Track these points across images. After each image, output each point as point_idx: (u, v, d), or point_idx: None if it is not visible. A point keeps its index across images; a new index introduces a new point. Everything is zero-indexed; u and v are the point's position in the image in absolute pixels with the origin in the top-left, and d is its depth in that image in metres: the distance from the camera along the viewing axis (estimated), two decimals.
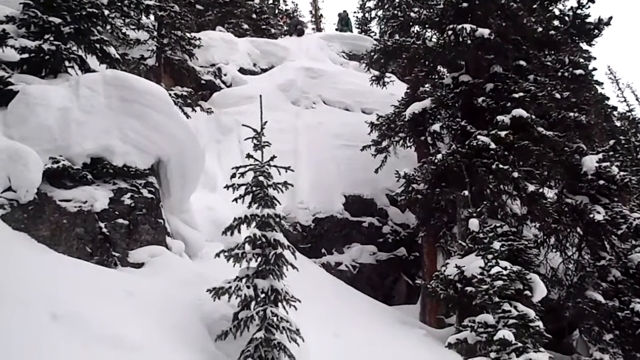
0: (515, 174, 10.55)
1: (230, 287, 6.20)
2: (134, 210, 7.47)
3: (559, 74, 13.83)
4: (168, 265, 7.31)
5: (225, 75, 18.05)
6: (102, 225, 7.06)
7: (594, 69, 16.27)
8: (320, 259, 13.36)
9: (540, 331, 7.70)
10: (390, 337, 9.52)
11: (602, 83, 20.42)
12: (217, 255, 6.37)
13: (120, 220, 7.28)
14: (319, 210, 13.77)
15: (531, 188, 10.79)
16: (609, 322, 11.51)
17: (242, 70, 18.86)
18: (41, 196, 6.64)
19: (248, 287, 6.22)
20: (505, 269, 7.73)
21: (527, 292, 9.10)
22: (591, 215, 12.03)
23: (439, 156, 11.18)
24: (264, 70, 19.67)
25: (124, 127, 7.58)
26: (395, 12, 14.68)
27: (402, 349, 9.01)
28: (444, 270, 9.81)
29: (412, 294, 13.91)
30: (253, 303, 6.27)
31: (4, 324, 4.58)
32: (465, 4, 11.69)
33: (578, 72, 14.32)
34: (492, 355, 6.22)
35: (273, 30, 24.82)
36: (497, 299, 6.66)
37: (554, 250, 13.06)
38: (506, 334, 6.20)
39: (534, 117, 11.16)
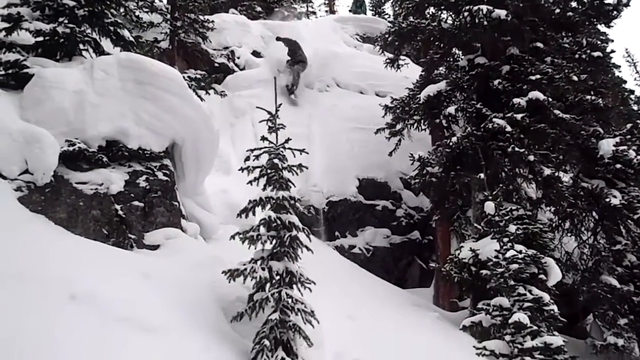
0: (531, 157, 10.47)
1: (245, 269, 6.23)
2: (150, 193, 7.51)
3: (577, 56, 13.65)
4: (183, 247, 7.36)
5: (238, 58, 17.97)
6: (118, 207, 7.11)
7: (612, 52, 15.94)
8: (334, 242, 13.39)
9: (554, 315, 7.67)
10: (404, 320, 9.55)
11: (620, 66, 20.12)
12: (232, 237, 6.39)
13: (136, 203, 7.33)
14: (333, 194, 13.77)
15: (547, 172, 10.71)
16: (623, 306, 11.46)
17: (255, 53, 18.77)
18: (58, 179, 6.69)
19: (263, 269, 6.24)
20: (520, 252, 7.69)
21: (542, 276, 9.07)
22: (607, 200, 11.93)
23: (454, 139, 11.10)
24: None
25: (139, 109, 7.59)
26: None
27: (416, 331, 9.03)
28: (458, 254, 9.80)
29: (426, 278, 13.92)
30: (268, 285, 6.30)
31: (24, 304, 4.64)
32: None
33: (596, 54, 14.13)
34: (507, 338, 6.20)
35: (286, 13, 24.64)
36: (512, 282, 6.63)
37: (569, 234, 12.98)
38: (521, 317, 6.18)
39: (550, 99, 11.04)
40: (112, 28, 8.54)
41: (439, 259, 12.71)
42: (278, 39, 17.34)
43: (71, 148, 6.90)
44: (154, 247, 7.28)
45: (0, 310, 4.49)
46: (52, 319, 4.66)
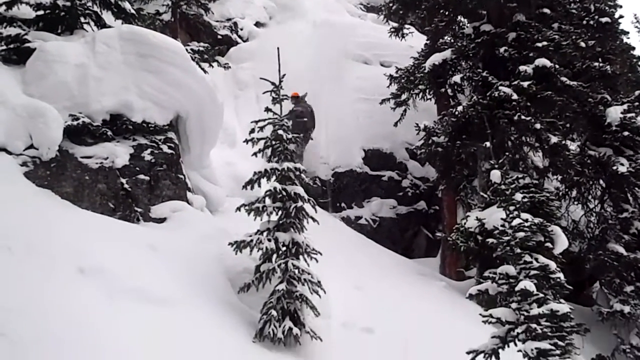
0: (538, 126, 10.37)
1: (251, 241, 6.26)
2: (155, 166, 7.51)
3: (584, 22, 13.44)
4: (190, 220, 7.39)
5: (241, 29, 17.78)
6: (124, 181, 7.14)
7: (621, 17, 15.61)
8: (340, 213, 13.41)
9: (561, 283, 7.68)
10: (411, 289, 9.60)
11: (628, 32, 19.62)
12: (238, 209, 6.42)
13: (142, 176, 7.34)
14: (338, 165, 13.74)
15: (554, 140, 10.61)
16: (630, 274, 11.47)
17: (259, 25, 18.58)
18: (63, 153, 6.72)
19: (269, 240, 6.27)
20: (527, 221, 7.65)
21: (549, 244, 9.06)
22: (615, 167, 11.84)
23: (460, 108, 10.99)
24: (280, 24, 19.33)
25: (142, 82, 7.56)
26: None
27: (423, 300, 9.09)
28: (465, 223, 9.79)
29: (432, 248, 13.96)
30: (274, 256, 6.33)
31: (33, 277, 4.69)
32: None
33: (604, 20, 13.91)
34: (513, 305, 6.18)
35: None
36: (518, 251, 6.60)
37: (575, 202, 12.94)
38: (527, 284, 6.15)
39: (557, 66, 10.88)
40: (113, 0, 8.46)
41: (445, 228, 12.72)
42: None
43: (75, 122, 6.90)
44: (161, 220, 7.31)
45: (11, 280, 4.53)
46: (61, 290, 4.70)
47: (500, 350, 6.17)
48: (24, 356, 3.83)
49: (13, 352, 3.82)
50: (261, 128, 6.57)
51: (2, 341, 3.85)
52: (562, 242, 9.28)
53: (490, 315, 6.25)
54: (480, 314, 6.34)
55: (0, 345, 3.82)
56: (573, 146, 12.41)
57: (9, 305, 4.22)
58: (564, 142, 10.97)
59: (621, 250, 11.42)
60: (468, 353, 6.23)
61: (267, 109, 6.64)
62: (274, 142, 6.53)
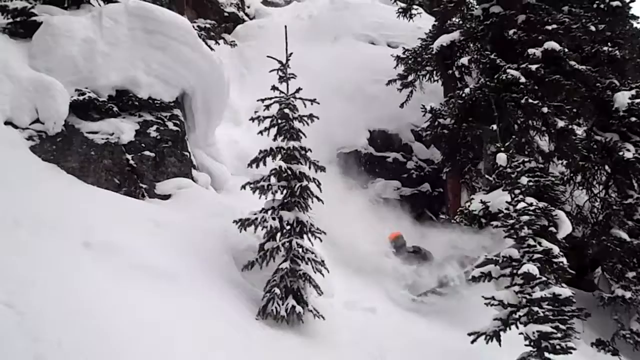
0: (545, 109, 10.30)
1: (256, 219, 6.27)
2: (160, 143, 7.52)
3: (594, 5, 13.28)
4: (195, 197, 7.41)
5: (248, 7, 17.69)
6: (129, 157, 7.15)
7: (632, 1, 15.42)
8: None
9: (563, 267, 7.71)
10: None
11: (638, 17, 19.33)
12: (243, 187, 6.42)
13: (147, 153, 7.35)
14: (343, 145, 13.70)
15: (560, 124, 10.56)
16: (632, 260, 11.45)
17: (266, 2, 18.46)
18: (69, 128, 6.73)
19: (274, 218, 6.28)
20: (531, 204, 7.65)
21: (552, 229, 9.05)
22: (621, 153, 11.78)
23: (467, 90, 10.93)
24: (287, 2, 19.24)
25: (148, 58, 7.54)
26: None
27: None
28: (469, 206, 9.79)
29: None
30: (278, 234, 6.35)
31: (40, 251, 4.71)
32: None
33: (614, 4, 13.70)
34: (516, 288, 6.24)
35: None
36: (522, 234, 6.63)
37: (580, 187, 12.90)
38: (531, 268, 6.19)
39: (566, 50, 10.78)
40: None
41: (449, 211, 12.71)
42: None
43: (81, 97, 6.90)
44: (166, 197, 7.34)
45: (19, 254, 4.56)
46: (67, 264, 4.73)
47: (501, 333, 6.23)
48: (31, 326, 3.87)
49: (21, 322, 3.87)
50: (267, 106, 6.54)
51: (10, 312, 3.90)
52: (565, 227, 9.27)
53: (493, 298, 6.29)
54: (483, 296, 6.38)
55: (9, 316, 3.86)
56: (579, 131, 12.33)
57: (17, 278, 4.24)
58: (570, 126, 10.91)
59: (624, 236, 11.39)
60: (470, 334, 6.28)
61: (274, 87, 6.60)
62: (279, 121, 6.50)
